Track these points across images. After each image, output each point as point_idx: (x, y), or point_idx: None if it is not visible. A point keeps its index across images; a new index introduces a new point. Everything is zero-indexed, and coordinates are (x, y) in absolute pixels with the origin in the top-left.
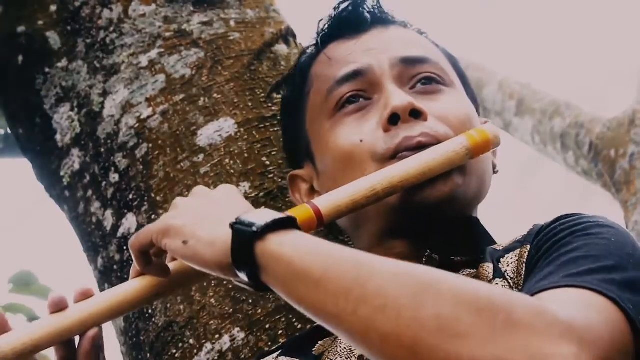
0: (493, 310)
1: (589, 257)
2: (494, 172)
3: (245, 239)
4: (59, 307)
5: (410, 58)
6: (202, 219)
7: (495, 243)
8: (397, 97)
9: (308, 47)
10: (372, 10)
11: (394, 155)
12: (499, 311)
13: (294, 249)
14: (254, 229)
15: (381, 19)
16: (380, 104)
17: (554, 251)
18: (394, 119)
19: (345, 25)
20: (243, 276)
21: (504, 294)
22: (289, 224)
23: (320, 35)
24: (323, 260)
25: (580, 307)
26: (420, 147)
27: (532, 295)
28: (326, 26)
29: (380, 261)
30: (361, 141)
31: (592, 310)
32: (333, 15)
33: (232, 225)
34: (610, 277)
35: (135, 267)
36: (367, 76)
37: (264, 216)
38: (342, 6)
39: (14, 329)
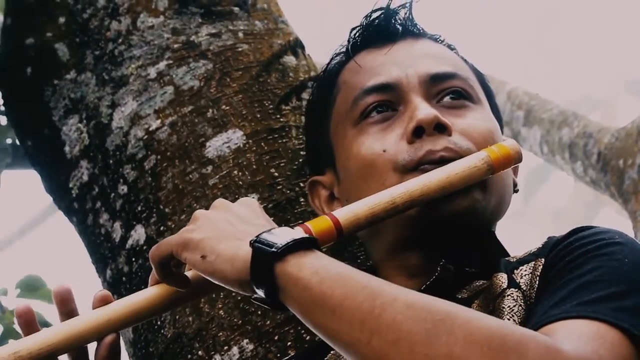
0: (505, 352)
1: (601, 281)
2: (515, 191)
3: (265, 259)
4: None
5: (439, 74)
6: (222, 233)
7: (509, 256)
8: (423, 110)
9: (338, 54)
10: (403, 21)
11: (416, 167)
12: (510, 352)
13: (312, 274)
14: (274, 249)
15: (412, 31)
16: (406, 116)
17: (566, 272)
18: (418, 132)
19: (376, 34)
20: (261, 293)
21: (516, 333)
22: (310, 244)
23: (351, 43)
24: (340, 287)
25: (592, 343)
26: (442, 161)
27: (545, 324)
28: (357, 34)
29: (395, 291)
30: (384, 151)
31: (603, 346)
32: (365, 24)
33: (252, 244)
34: (623, 304)
35: (153, 274)
36: (395, 89)
37: (284, 236)
38: (374, 15)
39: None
